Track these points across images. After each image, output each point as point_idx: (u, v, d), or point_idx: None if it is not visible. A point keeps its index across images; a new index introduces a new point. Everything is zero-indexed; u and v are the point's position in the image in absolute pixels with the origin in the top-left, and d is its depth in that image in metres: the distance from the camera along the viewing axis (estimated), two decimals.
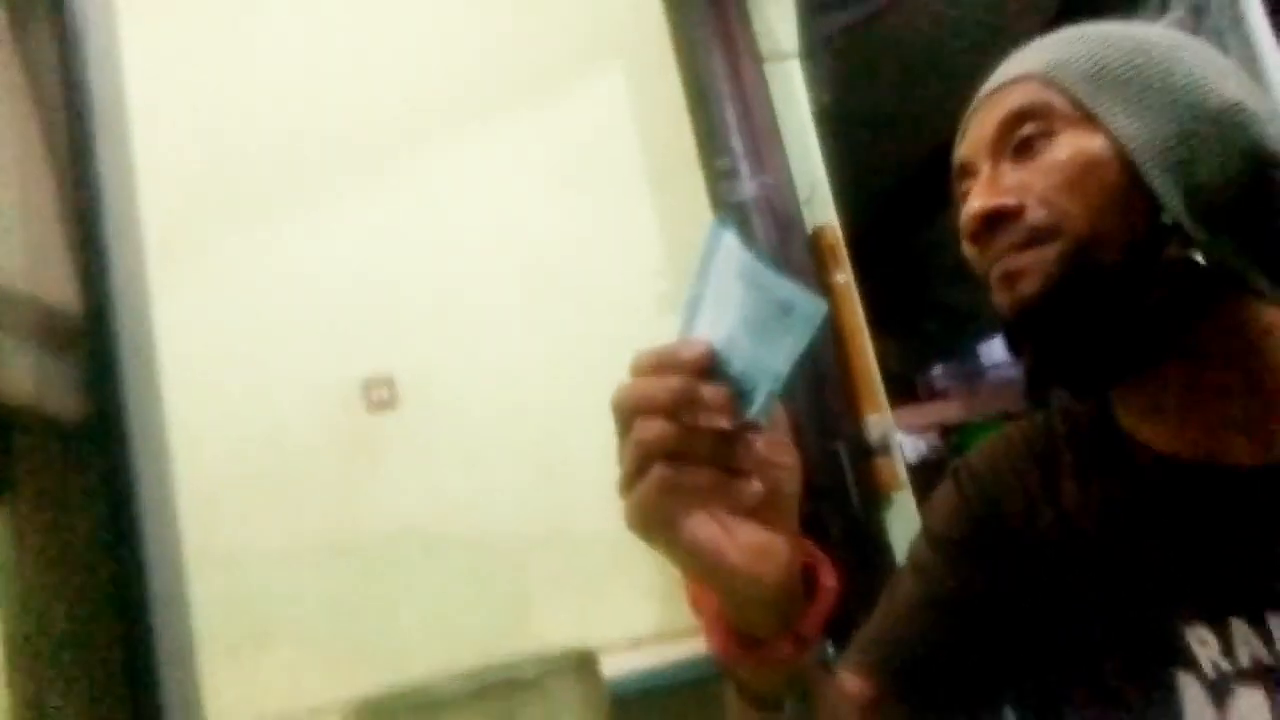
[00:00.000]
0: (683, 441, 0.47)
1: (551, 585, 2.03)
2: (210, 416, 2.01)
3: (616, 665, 1.69)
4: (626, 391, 0.49)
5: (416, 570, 2.02)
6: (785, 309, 0.44)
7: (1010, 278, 0.64)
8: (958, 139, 0.72)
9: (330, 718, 1.65)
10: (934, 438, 4.16)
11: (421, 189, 2.22)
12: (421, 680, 0.40)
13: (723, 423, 0.47)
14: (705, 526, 0.48)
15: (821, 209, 2.07)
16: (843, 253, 2.05)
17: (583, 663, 0.36)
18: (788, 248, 2.02)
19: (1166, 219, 0.61)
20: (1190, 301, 0.62)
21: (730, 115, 2.06)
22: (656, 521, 0.48)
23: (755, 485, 0.48)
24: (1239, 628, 0.60)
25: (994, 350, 4.69)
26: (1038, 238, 0.62)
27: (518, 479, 2.09)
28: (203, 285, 2.09)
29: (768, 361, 0.46)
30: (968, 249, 0.68)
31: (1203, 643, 0.61)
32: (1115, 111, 0.62)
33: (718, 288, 0.47)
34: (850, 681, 0.72)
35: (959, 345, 4.70)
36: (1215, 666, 0.60)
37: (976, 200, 0.65)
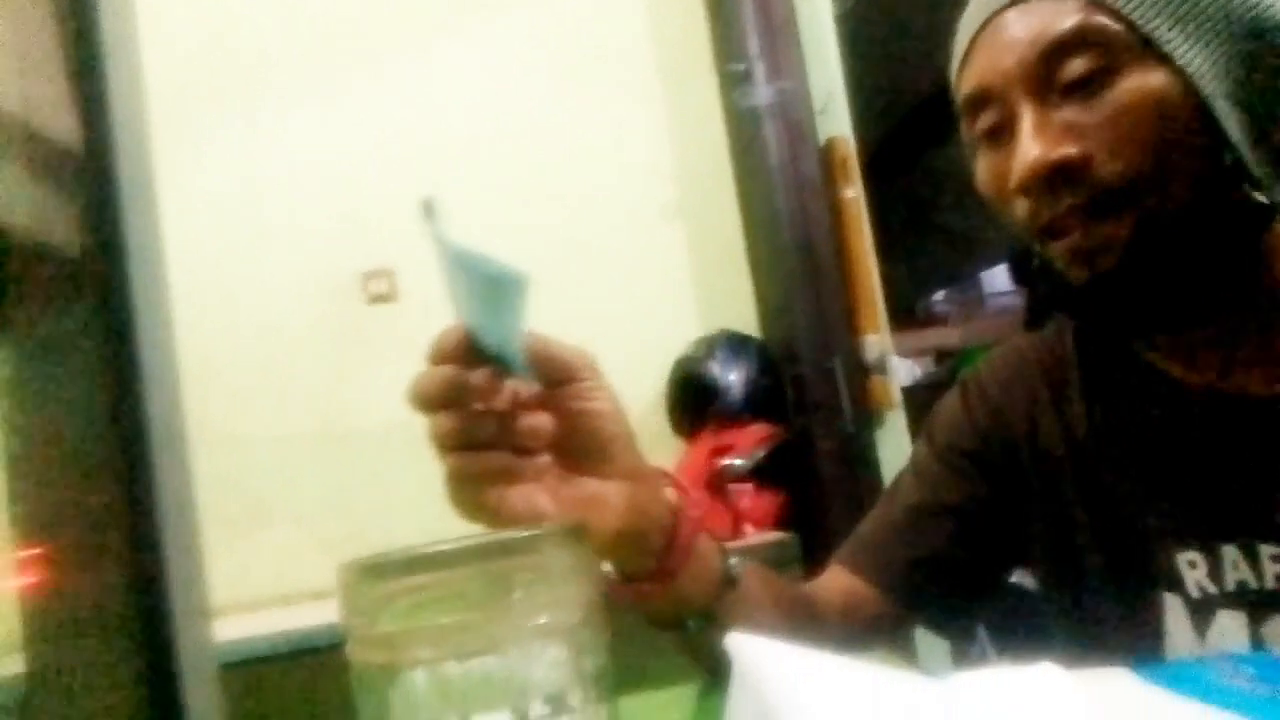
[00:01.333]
0: (468, 429, 0.49)
1: None
2: (207, 299, 2.01)
3: (605, 565, 1.74)
4: (410, 390, 0.51)
5: (409, 463, 2.03)
6: (498, 282, 0.48)
7: (1085, 255, 0.58)
8: (960, 56, 0.64)
9: (326, 598, 1.70)
10: (929, 362, 4.18)
11: (429, 81, 2.17)
12: (401, 533, 0.43)
13: (499, 400, 0.50)
14: (517, 499, 0.50)
15: (836, 120, 2.03)
16: (854, 167, 2.02)
17: (574, 533, 0.37)
18: (798, 159, 1.99)
19: (1229, 157, 0.56)
20: (1254, 242, 0.60)
21: (748, 12, 1.99)
22: (468, 507, 0.50)
23: (542, 458, 0.52)
24: (1229, 553, 0.61)
25: (996, 278, 4.67)
26: (1111, 204, 0.56)
27: None
28: (203, 168, 2.05)
29: (499, 330, 0.49)
30: (1013, 201, 0.61)
31: (1192, 565, 0.62)
32: (1176, 38, 0.56)
33: (450, 273, 0.50)
34: (839, 577, 0.74)
35: (961, 271, 4.67)
36: (1201, 588, 0.61)
37: (1035, 148, 0.56)
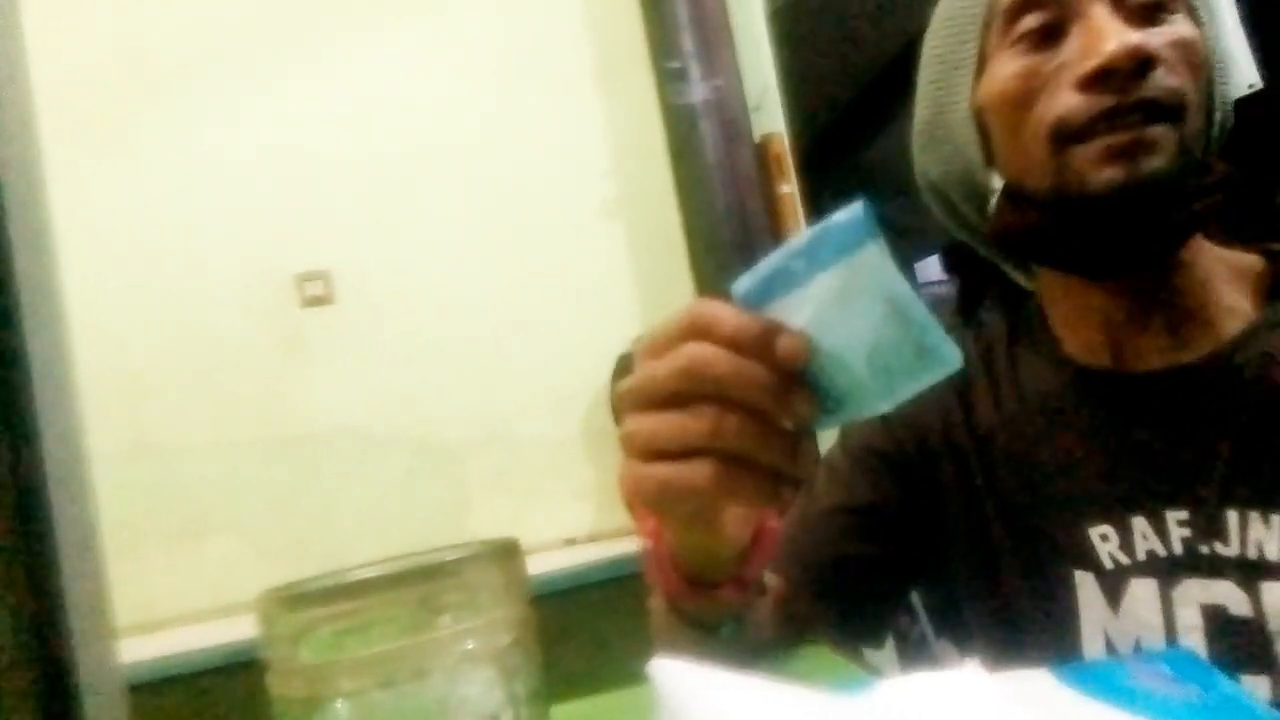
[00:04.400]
0: (750, 443, 0.41)
1: (488, 486, 2.05)
2: (139, 306, 1.95)
3: (551, 562, 1.74)
4: (709, 362, 0.41)
5: (353, 468, 2.01)
6: (921, 352, 0.40)
7: (1136, 149, 0.57)
8: None
9: None
10: None
11: (364, 77, 2.13)
12: (336, 567, 0.39)
13: (795, 428, 0.42)
14: (727, 517, 0.48)
15: (770, 116, 2.04)
16: (789, 163, 2.03)
17: (505, 550, 0.35)
18: (734, 155, 2.00)
19: (1213, 130, 0.62)
20: (1213, 212, 0.62)
21: (682, 10, 2.00)
22: (682, 511, 0.45)
23: (790, 493, 0.44)
24: (1139, 524, 0.63)
25: (929, 267, 4.76)
26: (1170, 109, 0.58)
27: (455, 380, 2.08)
28: (129, 173, 1.99)
29: (873, 394, 0.41)
30: (1064, 91, 0.60)
31: (1104, 538, 0.64)
32: (1206, 15, 0.62)
33: (841, 288, 0.40)
34: (770, 578, 0.75)
35: (895, 261, 4.75)
36: (1113, 560, 0.64)
37: (1130, 34, 0.57)
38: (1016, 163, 0.64)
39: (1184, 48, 0.59)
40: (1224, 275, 0.66)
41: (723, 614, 0.58)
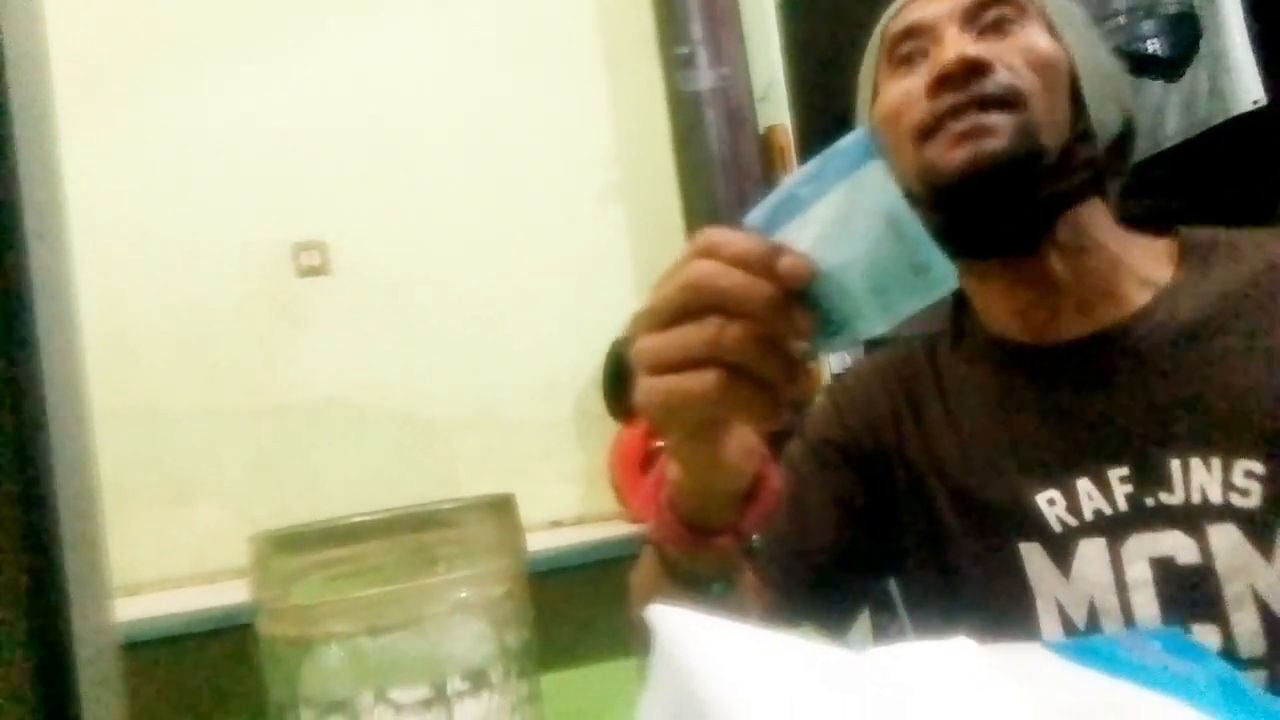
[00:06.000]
0: (751, 355, 0.44)
1: (476, 464, 2.05)
2: (135, 270, 1.94)
3: (536, 544, 1.74)
4: (713, 275, 0.44)
5: (342, 440, 2.01)
6: (919, 269, 0.40)
7: (975, 133, 0.65)
8: (893, 14, 0.74)
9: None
10: (859, 349, 4.25)
11: (370, 53, 2.11)
12: (331, 514, 0.38)
13: (797, 348, 0.44)
14: (731, 433, 0.49)
15: (776, 107, 2.04)
16: (792, 155, 2.03)
17: (500, 504, 0.35)
18: (738, 145, 2.00)
19: (1084, 126, 0.69)
20: (1085, 199, 0.70)
21: None
22: (687, 420, 0.47)
23: (787, 414, 0.46)
24: (1083, 486, 0.65)
25: None
26: (1006, 100, 0.66)
27: (448, 357, 2.07)
28: (129, 140, 1.98)
29: (872, 313, 0.42)
30: (921, 100, 0.68)
31: (1051, 502, 0.67)
32: (1066, 26, 0.70)
33: (843, 209, 0.41)
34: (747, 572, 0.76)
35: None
36: (1061, 523, 0.66)
37: (962, 46, 0.67)
38: (901, 169, 0.72)
39: (1028, 52, 0.68)
40: (1138, 255, 0.72)
41: (715, 569, 0.58)
